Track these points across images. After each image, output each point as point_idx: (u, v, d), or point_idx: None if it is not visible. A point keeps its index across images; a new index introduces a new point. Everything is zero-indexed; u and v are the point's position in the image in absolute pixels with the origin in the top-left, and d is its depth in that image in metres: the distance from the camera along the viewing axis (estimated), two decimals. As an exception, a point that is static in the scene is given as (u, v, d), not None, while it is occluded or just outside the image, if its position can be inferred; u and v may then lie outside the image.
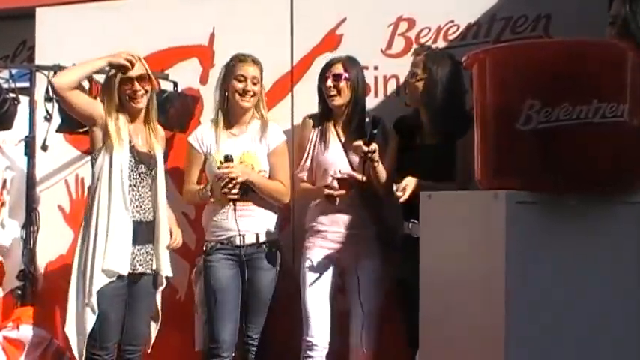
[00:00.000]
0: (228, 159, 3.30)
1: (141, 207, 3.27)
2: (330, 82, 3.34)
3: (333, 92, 3.34)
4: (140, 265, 3.27)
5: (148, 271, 3.31)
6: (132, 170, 3.23)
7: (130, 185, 3.22)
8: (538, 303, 1.93)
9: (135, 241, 3.23)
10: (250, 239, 3.42)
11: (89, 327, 3.14)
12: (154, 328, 3.42)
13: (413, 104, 3.26)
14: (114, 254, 3.16)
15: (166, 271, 3.34)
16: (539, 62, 1.95)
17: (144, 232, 3.27)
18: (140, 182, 3.26)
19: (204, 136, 3.49)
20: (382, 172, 3.22)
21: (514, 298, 1.91)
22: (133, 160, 3.23)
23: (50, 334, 3.82)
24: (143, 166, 3.28)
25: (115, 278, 3.17)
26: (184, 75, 4.00)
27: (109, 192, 3.18)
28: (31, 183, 3.90)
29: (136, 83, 3.22)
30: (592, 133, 1.89)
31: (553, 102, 1.88)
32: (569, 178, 1.91)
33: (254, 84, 3.43)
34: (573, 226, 1.95)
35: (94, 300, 3.14)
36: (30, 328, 3.74)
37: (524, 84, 1.95)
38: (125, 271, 3.20)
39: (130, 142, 3.24)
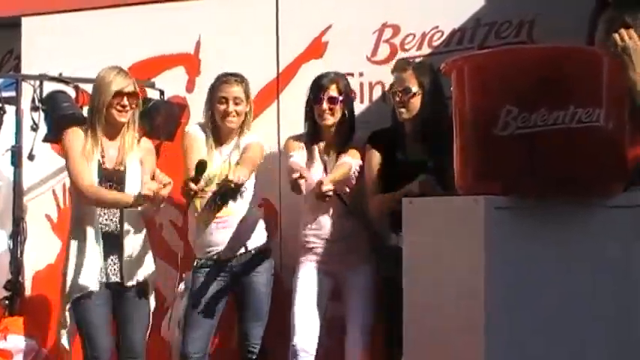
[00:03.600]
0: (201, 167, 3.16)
1: (112, 219, 3.29)
2: (325, 106, 3.32)
3: (328, 114, 3.34)
4: (114, 275, 3.29)
5: (123, 281, 3.31)
6: (99, 185, 3.26)
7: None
8: (518, 307, 1.93)
9: (107, 252, 3.27)
10: (239, 250, 3.43)
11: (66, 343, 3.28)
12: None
13: (410, 120, 3.20)
14: (82, 269, 3.22)
15: (143, 275, 3.35)
16: (516, 68, 1.95)
17: (115, 243, 3.29)
18: None
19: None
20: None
21: (494, 302, 1.91)
22: (98, 178, 3.25)
23: (38, 344, 3.82)
24: (110, 183, 3.29)
25: (86, 292, 3.23)
26: (170, 83, 4.00)
27: (81, 207, 3.27)
28: (18, 193, 3.89)
29: (126, 98, 3.26)
30: (569, 138, 1.89)
31: (530, 108, 1.89)
32: (547, 183, 1.92)
33: (236, 104, 3.40)
34: (552, 231, 1.96)
35: (67, 315, 3.25)
36: (18, 338, 3.75)
37: (502, 90, 1.96)
38: (94, 286, 3.23)
39: (101, 159, 3.28)
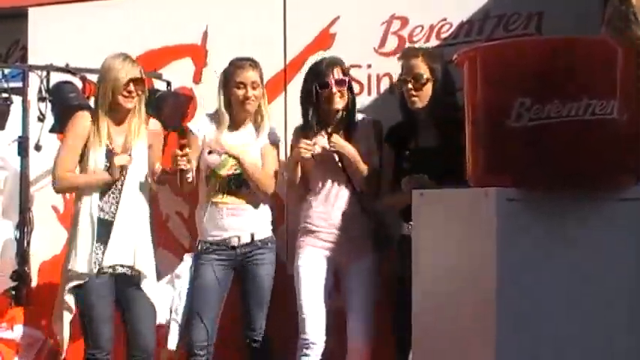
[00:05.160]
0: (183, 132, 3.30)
1: (112, 208, 3.31)
2: (335, 89, 3.30)
3: (338, 97, 3.32)
4: (117, 263, 3.31)
5: (128, 272, 3.34)
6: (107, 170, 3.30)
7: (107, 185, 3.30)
8: (529, 299, 1.93)
9: (103, 239, 3.28)
10: (246, 239, 3.44)
11: (66, 325, 3.34)
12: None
13: (422, 108, 3.18)
14: (79, 255, 3.27)
15: (142, 266, 3.35)
16: (529, 60, 1.95)
17: (110, 230, 3.31)
18: (118, 183, 3.31)
19: (202, 128, 3.50)
20: (360, 166, 3.29)
21: (505, 295, 1.91)
22: (108, 163, 3.29)
23: (44, 334, 3.81)
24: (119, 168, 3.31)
25: (87, 279, 3.27)
26: (178, 74, 4.00)
27: (82, 194, 3.30)
28: (24, 183, 3.89)
29: (132, 85, 3.29)
30: (582, 130, 1.89)
31: (543, 99, 1.88)
32: (559, 175, 1.92)
33: (254, 88, 3.41)
34: (564, 223, 1.95)
35: (68, 299, 3.31)
36: (24, 329, 3.74)
37: (515, 81, 1.95)
38: (86, 270, 3.26)
39: (109, 144, 3.32)
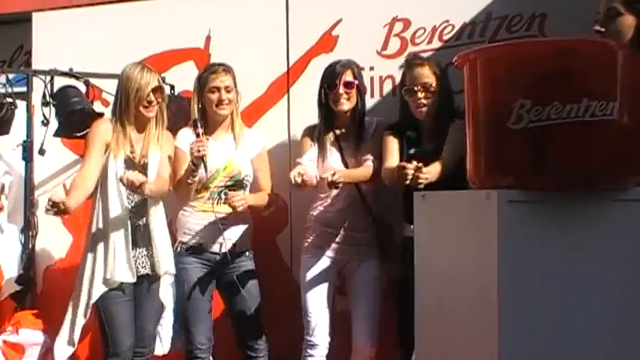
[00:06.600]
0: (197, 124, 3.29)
1: (139, 212, 3.32)
2: (341, 90, 3.32)
3: (345, 98, 3.34)
4: (142, 267, 3.32)
5: (150, 272, 3.35)
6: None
7: (128, 192, 3.27)
8: (531, 302, 1.93)
9: (135, 245, 3.29)
10: (228, 247, 3.43)
11: (77, 337, 3.29)
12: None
13: (426, 115, 3.19)
14: (115, 263, 3.24)
15: (166, 267, 3.37)
16: (529, 61, 1.94)
17: (143, 236, 3.33)
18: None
19: (187, 140, 3.46)
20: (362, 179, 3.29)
21: (507, 297, 1.90)
22: (126, 169, 3.27)
23: (49, 337, 3.82)
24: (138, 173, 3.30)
25: (115, 285, 3.25)
26: (181, 78, 4.01)
27: (107, 200, 3.26)
28: (29, 187, 3.92)
29: (152, 94, 3.30)
30: (582, 132, 1.88)
31: (543, 101, 1.88)
32: (560, 177, 1.91)
33: (228, 92, 3.45)
34: (565, 225, 1.94)
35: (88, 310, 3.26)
36: (29, 332, 3.75)
37: (515, 83, 1.95)
38: (130, 278, 3.26)
39: (131, 152, 3.32)
